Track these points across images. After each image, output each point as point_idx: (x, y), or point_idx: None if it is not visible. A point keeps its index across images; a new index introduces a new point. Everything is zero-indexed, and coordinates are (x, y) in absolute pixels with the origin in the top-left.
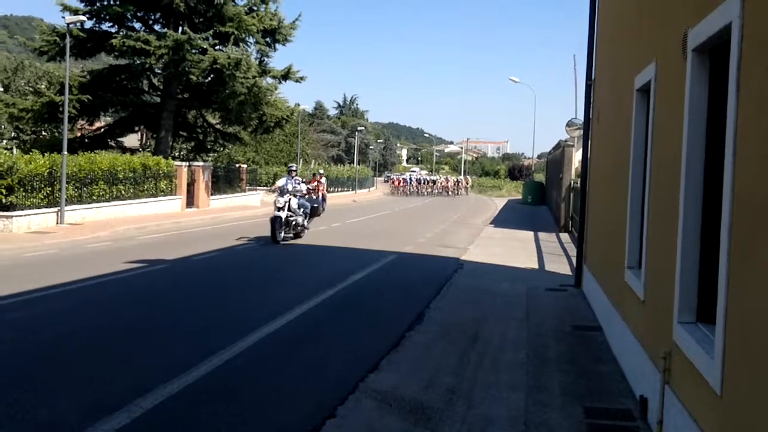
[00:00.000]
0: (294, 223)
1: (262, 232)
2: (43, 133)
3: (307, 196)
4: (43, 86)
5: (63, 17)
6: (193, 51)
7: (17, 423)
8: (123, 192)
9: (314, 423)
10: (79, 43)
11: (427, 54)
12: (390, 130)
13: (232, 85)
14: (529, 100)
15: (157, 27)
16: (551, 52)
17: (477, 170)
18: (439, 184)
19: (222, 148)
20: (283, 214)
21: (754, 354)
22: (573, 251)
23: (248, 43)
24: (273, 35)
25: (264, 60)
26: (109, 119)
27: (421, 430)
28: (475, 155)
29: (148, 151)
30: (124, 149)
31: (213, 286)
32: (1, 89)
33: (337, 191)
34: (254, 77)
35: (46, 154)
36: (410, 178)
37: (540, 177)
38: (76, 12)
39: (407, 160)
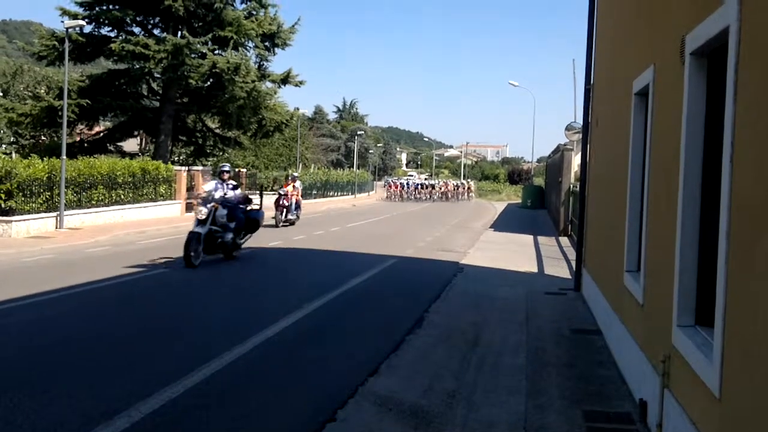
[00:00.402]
0: (220, 241)
1: (257, 239)
2: (42, 137)
3: (246, 206)
4: (42, 91)
5: (62, 22)
6: (193, 55)
7: (16, 428)
8: (122, 196)
9: (314, 427)
10: (79, 47)
11: (427, 58)
12: (390, 135)
13: (231, 90)
14: (529, 104)
15: (156, 31)
16: (551, 57)
17: (476, 174)
18: (437, 189)
19: (221, 153)
20: (203, 230)
21: (753, 357)
22: (572, 255)
23: (247, 48)
24: (272, 39)
25: (263, 64)
26: (108, 124)
27: None
28: (474, 159)
29: (148, 156)
30: (123, 154)
31: (213, 288)
32: (0, 94)
33: (337, 195)
34: (253, 81)
35: (45, 158)
36: (407, 183)
37: (539, 181)
38: (75, 16)
39: (407, 164)
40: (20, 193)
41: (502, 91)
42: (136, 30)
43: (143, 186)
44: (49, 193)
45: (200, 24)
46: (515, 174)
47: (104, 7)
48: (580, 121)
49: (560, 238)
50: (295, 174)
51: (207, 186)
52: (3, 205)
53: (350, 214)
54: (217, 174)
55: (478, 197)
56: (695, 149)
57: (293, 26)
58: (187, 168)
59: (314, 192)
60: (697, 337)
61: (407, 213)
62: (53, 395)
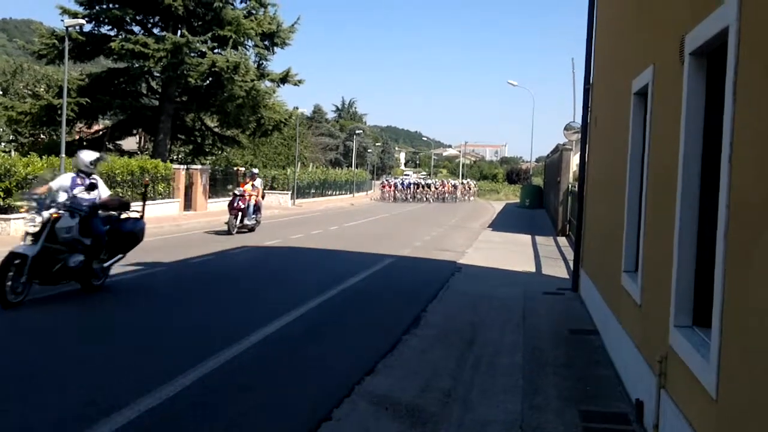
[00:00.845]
0: (58, 267)
1: (256, 237)
2: (42, 136)
3: (120, 214)
4: (41, 89)
5: (62, 20)
6: (192, 54)
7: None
8: (121, 195)
9: (310, 426)
10: (78, 46)
11: (426, 58)
12: (388, 134)
13: (230, 89)
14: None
15: (155, 30)
16: (550, 56)
17: (475, 174)
18: (433, 189)
19: (220, 152)
20: (32, 250)
21: (750, 358)
22: (570, 255)
23: (247, 47)
24: (271, 39)
25: (262, 63)
26: (107, 122)
27: None
28: (473, 159)
29: (147, 154)
30: (122, 152)
31: (212, 287)
32: (0, 92)
33: (336, 195)
34: (253, 80)
35: (44, 157)
36: (402, 182)
37: (538, 180)
38: (75, 15)
39: (405, 164)
40: (19, 192)
41: (501, 91)
42: (136, 29)
43: (142, 184)
44: None
45: (200, 23)
46: (514, 174)
47: (104, 6)
48: (579, 120)
49: (558, 238)
50: (255, 171)
51: (55, 182)
52: (2, 203)
53: (348, 213)
54: (77, 165)
55: (476, 197)
56: (694, 149)
57: (293, 25)
58: (185, 167)
59: (313, 191)
60: (695, 337)
61: (405, 212)
62: (47, 392)
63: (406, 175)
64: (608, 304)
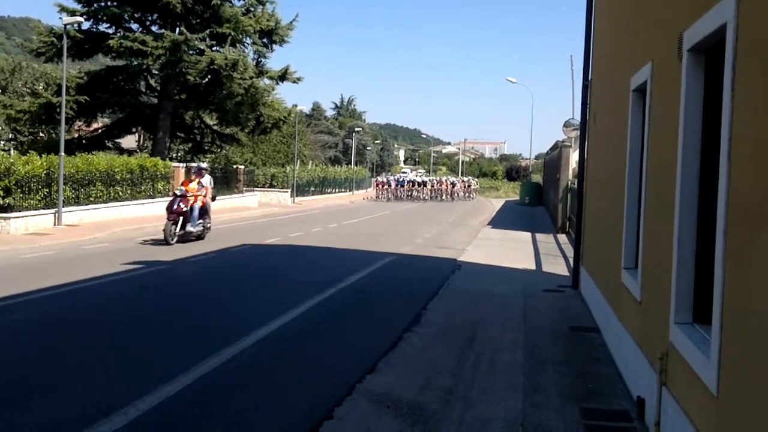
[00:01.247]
0: None
1: (256, 235)
2: (41, 134)
3: None
4: (40, 87)
5: (60, 18)
6: (190, 52)
7: (13, 424)
8: (120, 193)
9: (311, 425)
10: (77, 44)
11: (425, 56)
12: (387, 131)
13: (229, 86)
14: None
15: (154, 28)
16: (549, 53)
17: (474, 171)
18: (429, 187)
19: (219, 149)
20: None
21: (751, 355)
22: (570, 252)
23: (245, 44)
24: (270, 36)
25: (261, 61)
26: (106, 120)
27: (419, 431)
28: (472, 156)
29: (146, 153)
30: (121, 150)
31: (212, 286)
32: None
33: (335, 192)
34: (251, 78)
35: (43, 155)
36: (398, 180)
37: (537, 178)
38: (73, 13)
39: (405, 161)
40: (18, 190)
41: (500, 88)
42: (134, 26)
43: (141, 183)
44: (47, 190)
45: (198, 20)
46: (513, 171)
47: (102, 4)
48: (578, 117)
49: (558, 236)
50: (203, 166)
51: None
52: (1, 202)
53: (348, 210)
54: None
55: (477, 195)
56: (693, 146)
57: (291, 23)
58: (185, 164)
59: (312, 189)
60: (695, 334)
61: (404, 210)
62: (53, 393)
63: (403, 172)
64: (608, 301)
